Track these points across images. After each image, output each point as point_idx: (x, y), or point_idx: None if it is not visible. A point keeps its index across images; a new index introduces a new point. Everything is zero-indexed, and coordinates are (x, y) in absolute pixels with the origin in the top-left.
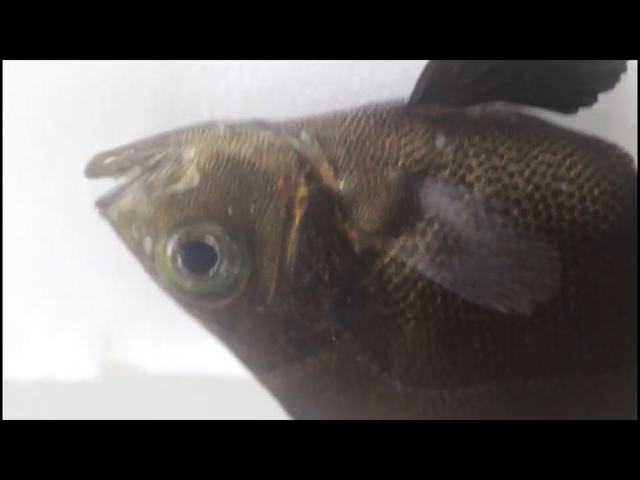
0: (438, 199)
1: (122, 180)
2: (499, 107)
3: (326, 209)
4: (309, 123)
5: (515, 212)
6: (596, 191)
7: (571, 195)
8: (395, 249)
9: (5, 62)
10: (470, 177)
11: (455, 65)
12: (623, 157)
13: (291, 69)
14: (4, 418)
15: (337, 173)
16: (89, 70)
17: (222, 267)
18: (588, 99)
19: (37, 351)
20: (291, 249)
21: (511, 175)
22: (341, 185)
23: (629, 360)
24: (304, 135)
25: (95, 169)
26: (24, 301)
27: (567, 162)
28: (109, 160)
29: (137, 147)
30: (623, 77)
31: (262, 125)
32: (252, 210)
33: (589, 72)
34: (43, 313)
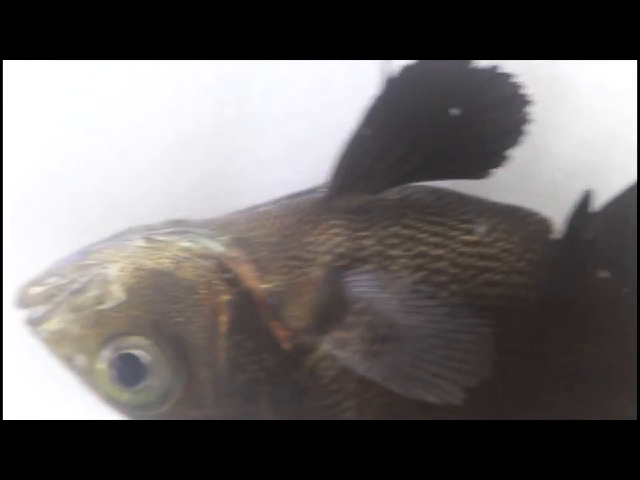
0: (365, 291)
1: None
2: (415, 187)
3: (250, 312)
4: (229, 225)
5: (444, 294)
6: (520, 264)
7: (496, 271)
8: (325, 344)
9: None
10: (395, 267)
11: (369, 155)
12: (542, 222)
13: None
14: None
15: (261, 274)
16: (164, 69)
17: (153, 378)
18: (497, 159)
19: None
20: (222, 354)
21: (436, 260)
22: (267, 286)
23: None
24: (223, 239)
25: (24, 301)
26: None
27: (489, 239)
28: (35, 290)
29: (60, 272)
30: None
31: (180, 231)
32: (179, 320)
33: (492, 132)
34: None
